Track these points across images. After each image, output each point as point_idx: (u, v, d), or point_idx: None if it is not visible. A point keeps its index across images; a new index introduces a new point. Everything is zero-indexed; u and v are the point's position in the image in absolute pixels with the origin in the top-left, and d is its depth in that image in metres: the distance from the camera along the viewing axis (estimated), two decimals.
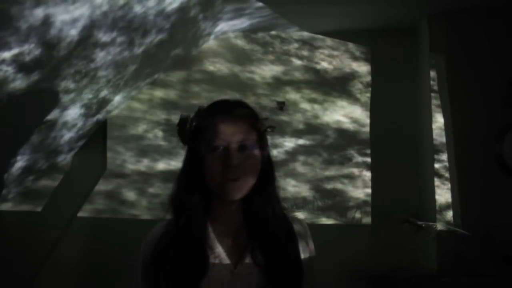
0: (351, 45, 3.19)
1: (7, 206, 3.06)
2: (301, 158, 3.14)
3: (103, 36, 2.15)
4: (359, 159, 3.14)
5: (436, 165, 2.84)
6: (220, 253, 1.14)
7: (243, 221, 1.17)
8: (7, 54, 1.76)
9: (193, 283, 1.10)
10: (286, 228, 1.19)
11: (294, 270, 1.16)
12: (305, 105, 3.16)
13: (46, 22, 1.74)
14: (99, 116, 2.96)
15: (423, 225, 2.67)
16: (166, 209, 1.19)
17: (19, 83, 1.96)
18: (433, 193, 2.83)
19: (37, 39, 1.80)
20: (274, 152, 3.14)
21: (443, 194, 2.82)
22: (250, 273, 1.13)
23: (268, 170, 1.19)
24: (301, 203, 3.09)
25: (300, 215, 3.09)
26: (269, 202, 1.18)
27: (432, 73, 2.90)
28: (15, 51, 1.77)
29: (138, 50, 2.53)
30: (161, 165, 3.07)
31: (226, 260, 1.14)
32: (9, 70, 1.85)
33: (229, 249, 1.15)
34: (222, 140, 1.11)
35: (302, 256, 1.20)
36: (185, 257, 1.11)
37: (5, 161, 2.53)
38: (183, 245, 1.12)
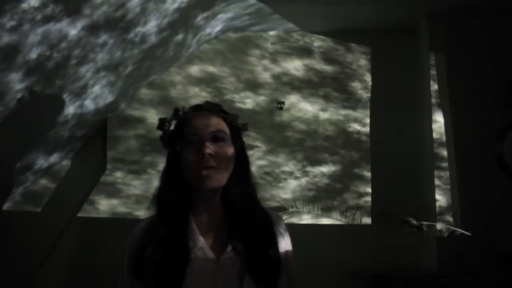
0: (351, 45, 3.19)
1: (7, 206, 3.06)
2: (301, 158, 3.14)
3: (103, 37, 2.15)
4: (359, 159, 3.13)
5: (436, 165, 2.84)
6: (203, 245, 1.19)
7: (223, 213, 1.24)
8: (7, 55, 1.76)
9: (177, 275, 1.14)
10: (264, 220, 1.26)
11: (272, 259, 1.22)
12: (305, 105, 3.16)
13: (46, 22, 1.74)
14: (99, 116, 2.96)
15: (423, 225, 2.68)
16: (150, 206, 1.25)
17: (19, 84, 1.96)
18: (433, 193, 2.83)
19: (37, 40, 1.80)
20: (274, 152, 3.14)
21: (443, 194, 2.82)
22: (232, 264, 1.18)
23: (243, 164, 1.27)
24: (301, 203, 3.10)
25: (300, 215, 3.09)
26: (246, 194, 1.25)
27: (432, 73, 2.91)
28: (14, 51, 1.78)
29: (138, 51, 2.53)
30: (161, 165, 3.06)
31: (209, 251, 1.19)
32: (10, 70, 1.85)
33: (212, 241, 1.21)
34: (196, 133, 1.21)
35: (279, 247, 1.26)
36: (169, 250, 1.16)
37: (6, 161, 2.53)
38: (166, 238, 1.18)
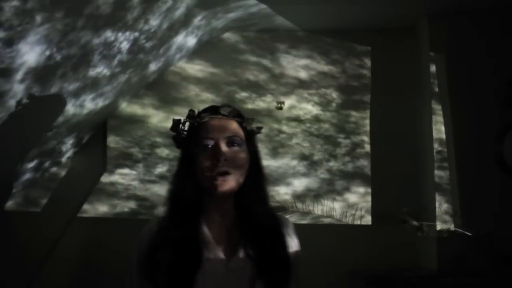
0: (351, 45, 3.19)
1: (7, 206, 3.07)
2: (301, 157, 3.14)
3: (103, 36, 2.15)
4: (359, 159, 3.14)
5: (436, 165, 2.84)
6: (214, 248, 1.19)
7: (235, 217, 1.24)
8: (6, 56, 1.76)
9: (188, 277, 1.14)
10: (275, 224, 1.27)
11: (283, 262, 1.22)
12: (305, 105, 3.16)
13: (46, 22, 1.74)
14: (99, 116, 2.96)
15: (423, 225, 2.67)
16: (162, 207, 1.25)
17: (18, 84, 1.96)
18: (433, 193, 2.83)
19: (37, 40, 1.80)
20: (274, 152, 3.14)
21: (443, 194, 2.82)
22: (243, 267, 1.18)
23: (257, 167, 1.26)
24: (301, 203, 3.10)
25: (300, 215, 3.09)
26: (259, 198, 1.25)
27: (432, 73, 2.90)
28: (14, 51, 1.78)
29: (138, 50, 2.53)
30: (160, 166, 3.07)
31: (220, 254, 1.19)
32: (9, 71, 1.85)
33: (223, 244, 1.21)
34: (212, 137, 1.20)
35: (290, 249, 1.27)
36: (180, 252, 1.16)
37: (6, 161, 2.53)
38: (179, 241, 1.17)
